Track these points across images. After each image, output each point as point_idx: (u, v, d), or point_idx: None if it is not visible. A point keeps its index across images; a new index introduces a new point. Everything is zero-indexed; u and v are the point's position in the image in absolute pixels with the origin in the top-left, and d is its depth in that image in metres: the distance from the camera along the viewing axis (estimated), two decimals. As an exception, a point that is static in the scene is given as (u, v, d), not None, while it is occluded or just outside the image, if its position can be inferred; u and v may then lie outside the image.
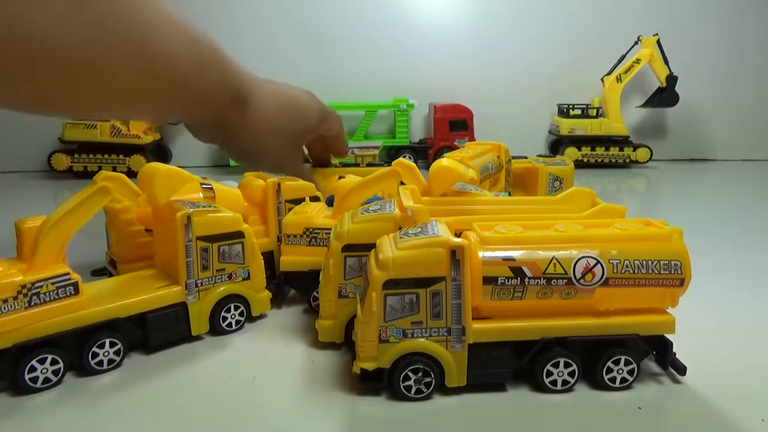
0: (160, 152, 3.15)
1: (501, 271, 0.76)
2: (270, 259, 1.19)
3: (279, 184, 1.19)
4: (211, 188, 1.14)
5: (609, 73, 3.13)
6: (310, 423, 0.75)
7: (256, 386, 0.84)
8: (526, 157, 1.89)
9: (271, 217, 1.19)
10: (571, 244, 0.79)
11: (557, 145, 3.21)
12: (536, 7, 3.23)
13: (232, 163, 3.02)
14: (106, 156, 2.91)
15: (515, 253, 0.77)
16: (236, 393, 0.82)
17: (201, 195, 1.11)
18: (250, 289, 1.03)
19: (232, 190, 1.21)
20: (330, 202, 1.21)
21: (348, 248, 0.90)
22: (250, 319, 1.05)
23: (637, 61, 3.10)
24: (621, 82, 3.10)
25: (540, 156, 1.91)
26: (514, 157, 1.84)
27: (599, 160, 3.07)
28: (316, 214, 1.12)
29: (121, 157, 2.91)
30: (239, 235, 1.00)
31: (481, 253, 0.77)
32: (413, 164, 1.11)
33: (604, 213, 0.93)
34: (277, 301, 1.13)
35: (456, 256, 0.74)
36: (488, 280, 0.76)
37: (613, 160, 3.08)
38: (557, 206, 1.03)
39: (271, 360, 0.92)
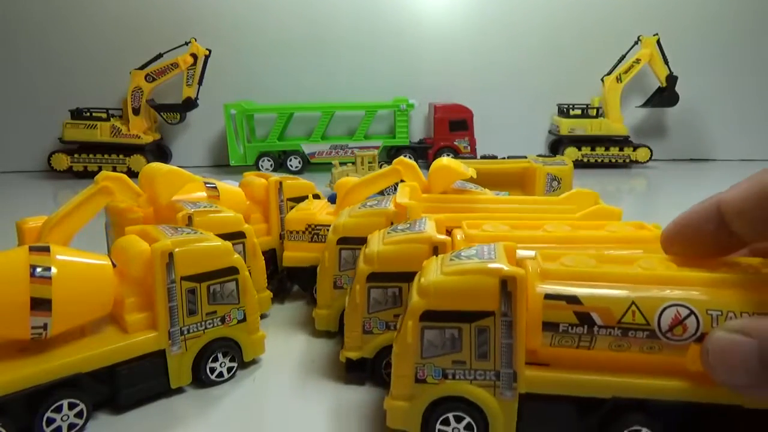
0: (160, 152, 3.15)
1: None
2: (272, 256, 1.19)
3: (281, 183, 1.20)
4: (215, 187, 1.14)
5: (609, 73, 3.14)
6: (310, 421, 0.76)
7: (256, 385, 0.85)
8: (525, 157, 1.89)
9: (273, 215, 1.20)
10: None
11: (557, 144, 3.22)
12: (536, 8, 3.24)
13: (232, 162, 3.02)
14: (106, 156, 2.91)
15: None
16: (237, 389, 0.83)
17: (205, 194, 1.11)
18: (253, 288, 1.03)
19: (235, 189, 1.21)
20: (332, 199, 1.22)
21: (343, 241, 0.91)
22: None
23: (637, 61, 3.10)
24: (621, 82, 3.11)
25: (540, 156, 1.91)
26: (514, 157, 1.84)
27: (599, 160, 3.08)
28: (319, 211, 1.13)
29: (121, 157, 2.91)
30: (240, 235, 1.00)
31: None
32: (414, 163, 1.11)
33: (600, 214, 0.93)
34: (280, 296, 1.15)
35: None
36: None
37: (613, 160, 3.08)
38: (559, 206, 1.03)
39: (272, 357, 0.93)
